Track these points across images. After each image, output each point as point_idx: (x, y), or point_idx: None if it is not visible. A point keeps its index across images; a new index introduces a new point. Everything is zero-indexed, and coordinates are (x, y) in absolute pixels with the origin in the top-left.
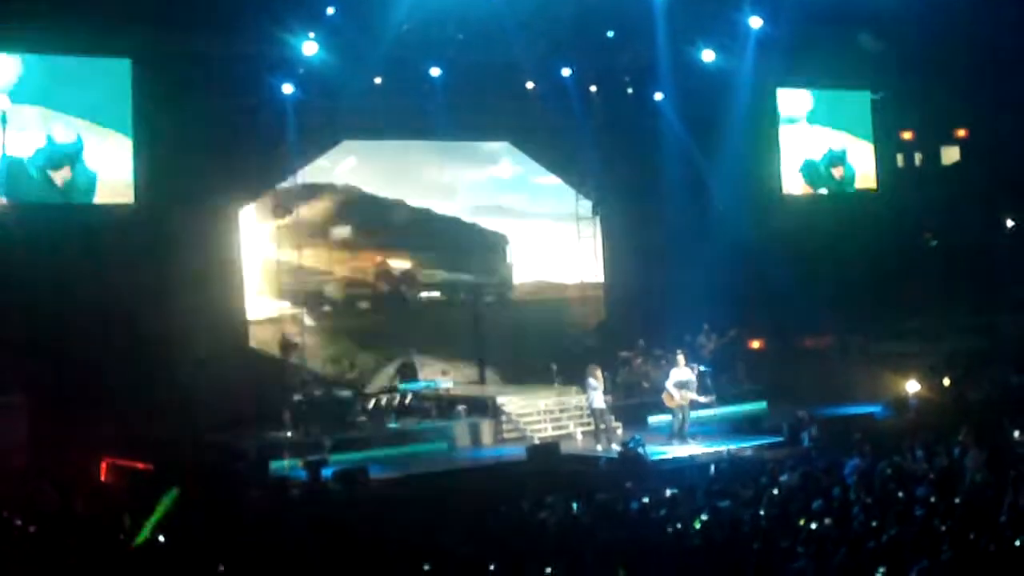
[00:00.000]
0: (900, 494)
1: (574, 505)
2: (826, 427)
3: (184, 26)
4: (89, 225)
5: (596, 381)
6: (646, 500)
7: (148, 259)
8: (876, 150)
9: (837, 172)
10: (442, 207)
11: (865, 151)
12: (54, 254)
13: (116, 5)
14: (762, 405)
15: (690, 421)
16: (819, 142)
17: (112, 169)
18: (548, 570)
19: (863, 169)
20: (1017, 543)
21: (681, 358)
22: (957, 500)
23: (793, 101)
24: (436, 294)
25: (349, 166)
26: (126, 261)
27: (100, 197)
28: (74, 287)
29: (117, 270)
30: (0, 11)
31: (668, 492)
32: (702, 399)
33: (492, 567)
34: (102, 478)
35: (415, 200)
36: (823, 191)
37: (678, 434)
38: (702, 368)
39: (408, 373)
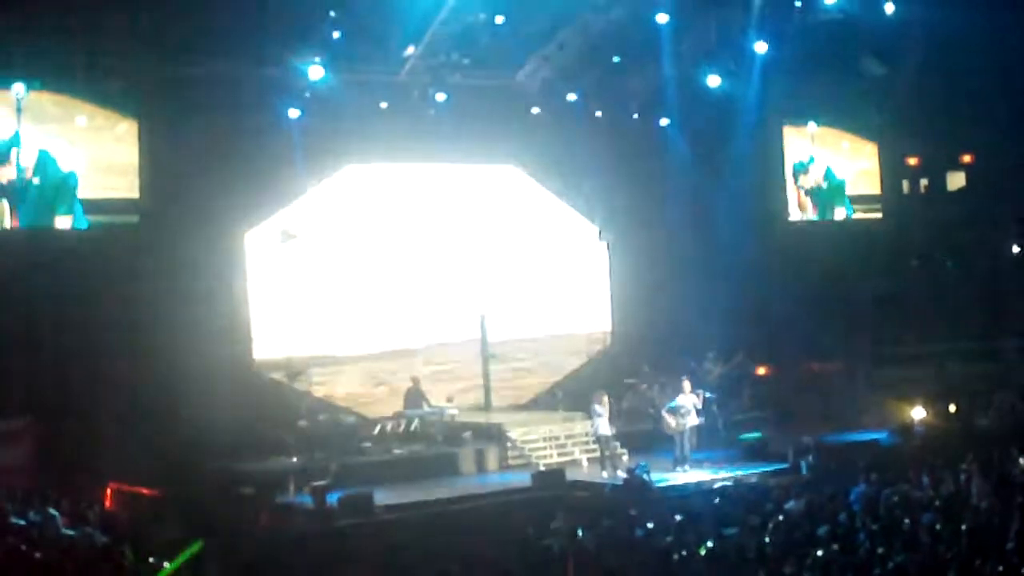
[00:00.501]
0: (906, 521)
1: (579, 531)
2: (831, 454)
3: (190, 49)
4: (93, 247)
5: (602, 407)
6: (651, 526)
7: (153, 282)
8: (882, 173)
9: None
10: (449, 231)
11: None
12: (58, 277)
13: (123, 29)
14: (767, 432)
15: (693, 447)
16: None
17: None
18: None
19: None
20: (1023, 571)
21: (687, 384)
22: (963, 527)
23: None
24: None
25: (354, 190)
26: (131, 284)
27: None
28: (78, 310)
29: (122, 293)
30: (4, 39)
31: (674, 519)
32: (694, 422)
33: None
34: (108, 504)
35: (420, 224)
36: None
37: (681, 460)
38: (707, 395)
39: (415, 399)
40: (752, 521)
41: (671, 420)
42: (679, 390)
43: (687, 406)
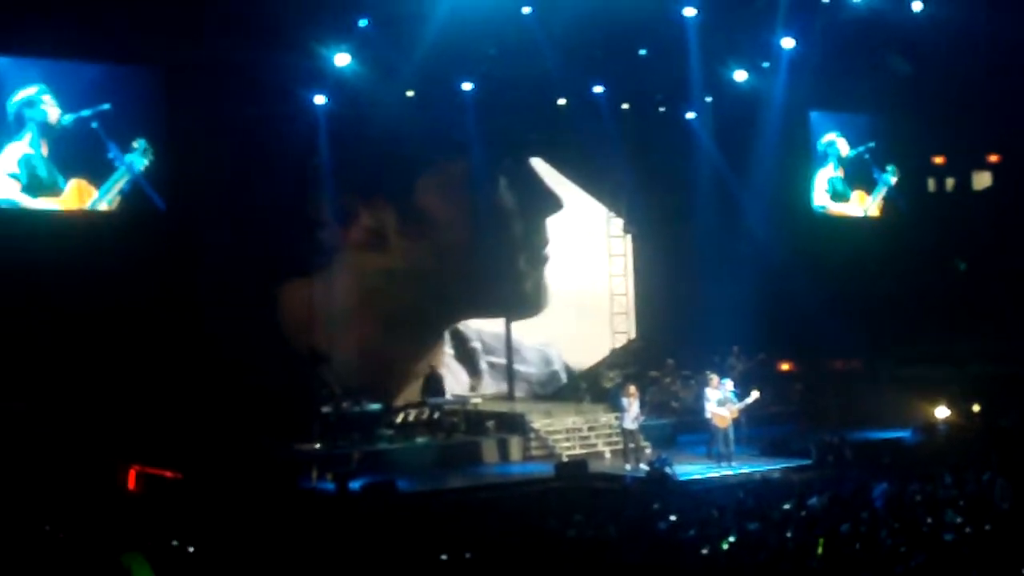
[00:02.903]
0: (928, 519)
1: (601, 524)
2: (854, 451)
3: (218, 35)
4: (122, 230)
5: (629, 400)
6: (674, 520)
7: (178, 265)
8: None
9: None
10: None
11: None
12: (85, 259)
13: (150, 14)
14: (791, 428)
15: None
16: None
17: None
18: None
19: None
20: None
21: (714, 378)
22: (985, 527)
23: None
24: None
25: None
26: (156, 267)
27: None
28: (105, 294)
29: (147, 276)
30: (31, 17)
31: (697, 513)
32: (749, 400)
33: None
34: (130, 486)
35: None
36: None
37: (726, 456)
38: (733, 389)
39: (433, 386)
40: (774, 517)
41: (725, 412)
42: (705, 384)
43: (730, 394)
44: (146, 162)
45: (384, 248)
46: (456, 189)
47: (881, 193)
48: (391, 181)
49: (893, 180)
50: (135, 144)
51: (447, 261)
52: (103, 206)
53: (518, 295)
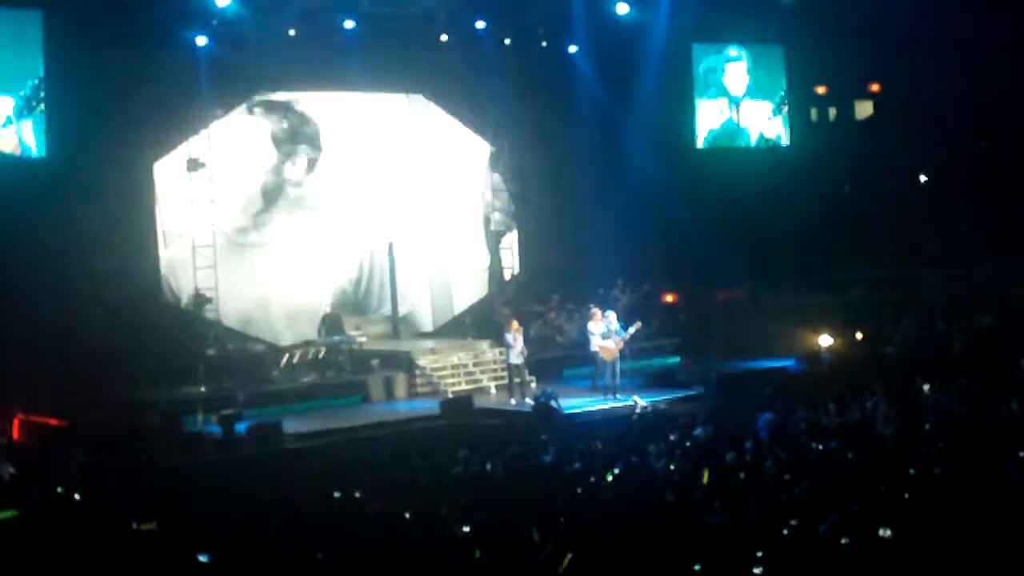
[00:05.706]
0: (812, 447)
1: (487, 459)
2: (738, 381)
3: None
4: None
5: (514, 335)
6: (559, 453)
7: (59, 212)
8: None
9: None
10: (356, 159)
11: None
12: None
13: None
14: (675, 359)
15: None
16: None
17: None
18: (465, 528)
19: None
20: (925, 496)
21: (596, 312)
22: (868, 454)
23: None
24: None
25: (262, 118)
26: (36, 214)
27: None
28: None
29: (26, 222)
30: None
31: (581, 445)
32: (632, 331)
33: (407, 519)
34: (15, 436)
35: (328, 153)
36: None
37: (612, 388)
38: (615, 323)
39: (333, 325)
40: (660, 448)
41: (611, 344)
42: (588, 319)
43: (613, 326)
44: (33, 104)
45: None
46: None
47: (767, 121)
48: None
49: (784, 109)
50: (22, 92)
51: None
52: None
53: None
